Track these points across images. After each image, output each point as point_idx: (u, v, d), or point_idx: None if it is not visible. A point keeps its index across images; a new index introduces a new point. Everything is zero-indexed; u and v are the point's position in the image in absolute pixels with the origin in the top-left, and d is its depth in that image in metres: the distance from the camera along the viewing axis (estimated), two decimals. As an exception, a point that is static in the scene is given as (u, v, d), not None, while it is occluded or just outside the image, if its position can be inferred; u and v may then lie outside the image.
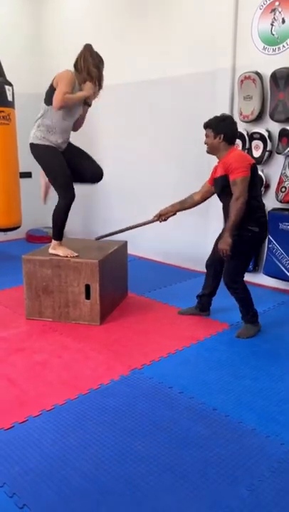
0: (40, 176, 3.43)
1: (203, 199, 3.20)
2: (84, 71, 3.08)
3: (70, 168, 3.25)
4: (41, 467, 1.81)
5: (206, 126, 2.90)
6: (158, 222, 3.33)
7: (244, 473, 1.78)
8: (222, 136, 2.83)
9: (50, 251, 3.28)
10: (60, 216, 3.26)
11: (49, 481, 1.73)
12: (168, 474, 1.77)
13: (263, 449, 1.91)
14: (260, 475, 1.76)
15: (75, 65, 3.12)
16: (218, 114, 2.98)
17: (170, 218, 3.32)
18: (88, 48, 3.14)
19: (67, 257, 3.18)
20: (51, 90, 3.07)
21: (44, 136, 3.15)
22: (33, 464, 1.82)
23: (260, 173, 3.76)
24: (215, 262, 3.15)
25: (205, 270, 3.27)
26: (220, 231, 3.13)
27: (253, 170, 2.83)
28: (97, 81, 3.13)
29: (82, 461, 1.84)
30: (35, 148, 3.21)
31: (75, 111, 3.21)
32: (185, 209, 3.26)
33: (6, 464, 1.83)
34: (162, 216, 3.29)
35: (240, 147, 3.82)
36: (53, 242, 3.32)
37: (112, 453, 1.89)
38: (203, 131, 2.93)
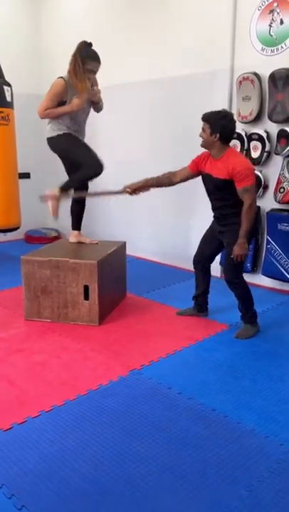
0: (46, 194, 3.39)
1: (180, 182, 3.11)
2: (74, 78, 3.14)
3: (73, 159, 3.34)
4: (40, 468, 1.81)
5: (204, 119, 2.83)
6: (128, 195, 3.18)
7: (243, 473, 1.78)
8: (218, 135, 2.78)
9: (71, 240, 3.46)
10: (78, 179, 3.31)
11: (48, 482, 1.73)
12: (167, 475, 1.77)
13: (262, 450, 1.91)
14: (259, 475, 1.76)
15: (69, 69, 3.18)
16: (219, 109, 2.89)
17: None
18: (78, 49, 3.18)
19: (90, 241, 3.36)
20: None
21: (57, 127, 3.23)
22: (32, 465, 1.82)
23: (258, 173, 3.78)
24: (203, 259, 3.16)
25: None
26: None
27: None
28: (89, 84, 3.17)
29: (81, 461, 1.84)
30: (51, 141, 3.28)
31: (81, 113, 3.26)
32: (159, 187, 3.15)
33: (5, 465, 1.82)
34: (130, 189, 3.15)
35: (238, 148, 3.83)
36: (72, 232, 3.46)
37: (111, 453, 1.89)
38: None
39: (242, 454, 1.88)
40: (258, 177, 3.78)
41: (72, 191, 3.35)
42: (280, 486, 1.71)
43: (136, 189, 3.15)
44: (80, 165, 3.28)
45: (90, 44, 3.22)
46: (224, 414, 2.16)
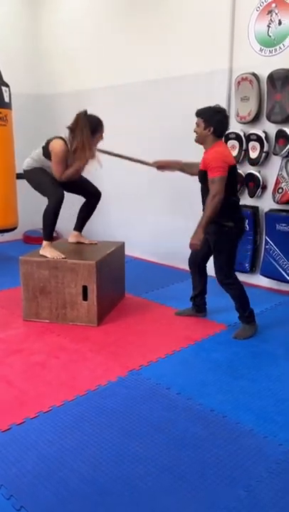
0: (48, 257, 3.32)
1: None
2: (77, 142, 3.16)
3: (76, 188, 3.46)
4: (39, 469, 1.80)
5: (198, 114, 2.86)
6: (155, 168, 3.29)
7: (242, 473, 1.78)
8: (212, 129, 2.80)
9: (41, 252, 3.30)
10: (50, 216, 3.31)
11: (47, 483, 1.73)
12: (166, 475, 1.77)
13: (260, 450, 1.91)
14: (257, 476, 1.76)
15: (71, 129, 3.19)
16: (212, 106, 2.90)
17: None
18: (86, 122, 3.15)
19: (54, 259, 3.19)
20: (47, 149, 3.25)
21: (35, 164, 3.32)
22: (31, 466, 1.82)
23: (256, 174, 3.78)
24: (197, 258, 3.17)
25: None
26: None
27: (232, 169, 2.83)
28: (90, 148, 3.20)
29: (80, 462, 1.84)
30: (27, 174, 3.37)
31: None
32: (186, 172, 3.22)
33: (4, 466, 1.82)
34: (159, 165, 3.27)
35: (237, 148, 3.83)
36: (44, 242, 3.34)
37: (110, 454, 1.88)
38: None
39: (241, 455, 1.88)
40: (256, 177, 3.79)
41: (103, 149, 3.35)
42: (279, 487, 1.71)
43: (164, 166, 3.23)
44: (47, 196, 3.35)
45: (86, 112, 3.21)
46: (223, 415, 2.16)
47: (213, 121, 2.80)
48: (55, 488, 1.70)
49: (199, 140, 2.91)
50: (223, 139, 2.99)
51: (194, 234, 2.82)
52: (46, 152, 3.27)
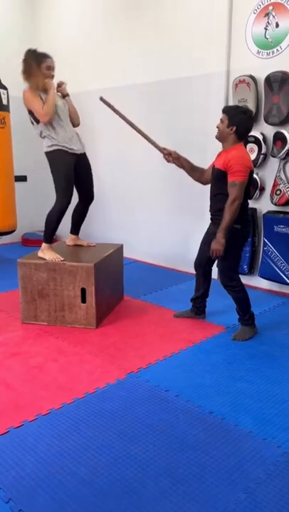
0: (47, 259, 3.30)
1: (206, 183, 3.15)
2: (34, 74, 3.16)
3: (79, 179, 3.40)
4: (37, 472, 1.80)
5: (224, 111, 2.85)
6: (163, 155, 3.21)
7: (241, 476, 1.78)
8: (234, 128, 2.78)
9: (39, 254, 3.29)
10: (53, 220, 3.30)
11: (45, 486, 1.73)
12: (165, 478, 1.76)
13: (259, 452, 1.91)
14: (256, 478, 1.76)
15: (24, 72, 3.19)
16: (240, 106, 2.87)
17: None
18: (27, 53, 3.20)
19: (52, 261, 3.19)
20: (30, 113, 3.23)
21: (53, 143, 3.24)
22: (29, 469, 1.82)
23: (254, 176, 3.79)
24: (203, 261, 3.16)
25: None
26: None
27: (250, 174, 2.83)
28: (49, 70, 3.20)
29: (79, 465, 1.84)
30: (49, 155, 3.30)
31: (61, 111, 3.29)
32: (190, 175, 3.19)
33: (2, 469, 1.81)
34: (169, 154, 3.18)
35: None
36: (43, 245, 3.33)
37: (108, 457, 1.88)
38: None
39: (239, 457, 1.88)
40: (254, 179, 3.80)
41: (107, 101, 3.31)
42: (278, 489, 1.71)
43: (172, 156, 3.17)
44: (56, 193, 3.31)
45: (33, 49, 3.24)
46: (221, 417, 2.16)
47: (237, 121, 2.77)
48: (54, 491, 1.70)
49: (220, 137, 2.88)
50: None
51: (216, 240, 2.80)
52: (34, 117, 3.23)
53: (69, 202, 3.30)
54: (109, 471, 1.80)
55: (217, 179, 2.89)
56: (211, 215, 3.01)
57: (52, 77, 3.24)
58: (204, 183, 3.17)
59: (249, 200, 3.84)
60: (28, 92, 3.18)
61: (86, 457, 1.88)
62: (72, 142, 3.31)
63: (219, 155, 2.93)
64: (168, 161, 3.22)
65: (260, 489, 1.71)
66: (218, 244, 2.80)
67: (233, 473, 1.79)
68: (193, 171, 3.17)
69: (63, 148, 3.26)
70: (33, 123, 3.28)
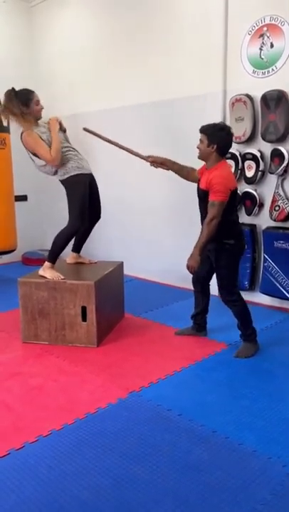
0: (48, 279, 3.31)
1: (192, 182, 3.17)
2: (25, 117, 3.17)
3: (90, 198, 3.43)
4: (38, 495, 1.76)
5: (202, 131, 2.85)
6: (149, 163, 3.31)
7: (246, 497, 1.74)
8: (215, 146, 2.80)
9: (40, 272, 3.29)
10: (62, 241, 3.31)
11: (46, 510, 1.69)
12: (168, 499, 1.73)
13: (264, 472, 1.88)
14: (262, 498, 1.73)
15: (14, 115, 3.19)
16: (216, 123, 2.91)
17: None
18: (7, 95, 3.21)
19: (53, 279, 3.18)
20: (35, 155, 3.26)
21: (68, 171, 3.28)
22: (30, 492, 1.78)
23: (253, 192, 3.81)
24: (200, 278, 3.16)
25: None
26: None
27: (233, 192, 2.83)
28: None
29: (81, 488, 1.80)
30: (65, 183, 3.33)
31: (65, 141, 3.35)
32: (178, 174, 3.24)
33: (2, 494, 1.78)
34: (152, 160, 3.27)
35: (233, 168, 3.87)
36: (46, 263, 3.32)
37: (110, 479, 1.85)
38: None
39: (244, 477, 1.85)
40: (253, 196, 3.82)
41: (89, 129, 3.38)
42: (285, 510, 1.67)
43: (157, 162, 3.26)
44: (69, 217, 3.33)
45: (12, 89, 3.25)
46: (225, 436, 2.13)
47: (216, 139, 2.79)
48: (55, 515, 1.66)
49: (202, 157, 2.90)
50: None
51: (191, 256, 2.83)
52: (34, 155, 3.25)
53: (81, 227, 3.34)
54: (111, 494, 1.76)
55: (202, 199, 2.92)
56: None
57: (41, 109, 3.28)
58: (193, 181, 3.17)
59: (248, 217, 3.91)
60: (29, 136, 3.18)
61: (88, 479, 1.85)
62: (83, 161, 3.36)
63: (202, 173, 2.96)
64: (156, 167, 3.32)
65: (267, 510, 1.67)
66: (192, 261, 2.81)
67: (239, 494, 1.75)
68: (181, 171, 3.24)
69: (80, 172, 3.30)
70: (40, 165, 3.29)
